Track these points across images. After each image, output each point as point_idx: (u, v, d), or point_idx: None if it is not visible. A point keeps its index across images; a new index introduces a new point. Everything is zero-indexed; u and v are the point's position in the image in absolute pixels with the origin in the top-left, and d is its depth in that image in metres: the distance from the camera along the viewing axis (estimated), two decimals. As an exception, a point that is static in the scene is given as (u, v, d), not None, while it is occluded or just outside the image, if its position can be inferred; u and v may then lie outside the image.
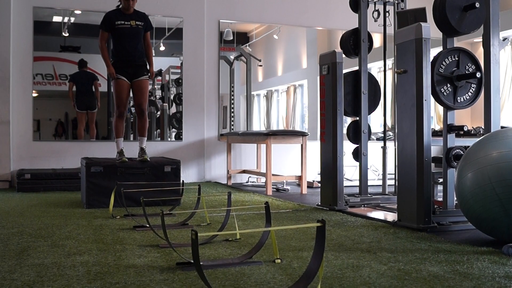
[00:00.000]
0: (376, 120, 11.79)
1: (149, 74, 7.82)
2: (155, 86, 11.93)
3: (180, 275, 3.44)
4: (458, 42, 11.75)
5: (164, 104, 11.82)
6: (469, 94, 5.39)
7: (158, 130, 11.68)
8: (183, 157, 10.06)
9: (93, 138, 11.02)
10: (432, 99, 5.27)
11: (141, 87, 7.70)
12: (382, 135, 7.79)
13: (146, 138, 7.84)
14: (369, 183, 7.28)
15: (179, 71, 11.48)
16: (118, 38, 7.60)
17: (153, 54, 7.99)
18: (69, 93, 11.07)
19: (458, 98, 5.35)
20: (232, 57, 12.32)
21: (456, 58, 5.34)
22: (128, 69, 7.61)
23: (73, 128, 11.31)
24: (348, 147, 6.98)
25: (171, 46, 11.66)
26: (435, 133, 6.98)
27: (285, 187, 9.58)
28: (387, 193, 7.39)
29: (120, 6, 7.62)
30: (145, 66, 7.81)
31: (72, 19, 11.17)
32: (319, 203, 7.01)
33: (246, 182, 11.03)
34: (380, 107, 7.55)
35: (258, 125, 14.61)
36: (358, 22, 7.24)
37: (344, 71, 6.76)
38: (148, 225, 4.83)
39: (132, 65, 7.63)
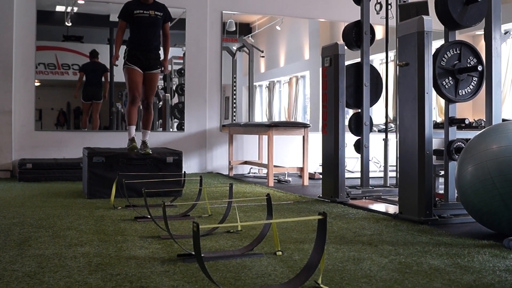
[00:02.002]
0: (377, 112, 11.78)
1: (162, 68, 7.77)
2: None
3: (181, 266, 3.45)
4: (460, 35, 11.71)
5: (166, 94, 11.82)
6: (471, 87, 5.39)
7: (160, 121, 11.69)
8: (185, 148, 10.05)
9: (96, 128, 11.02)
10: (434, 92, 5.27)
11: (151, 80, 7.63)
12: (384, 127, 7.78)
13: (149, 132, 7.75)
14: (371, 175, 7.28)
15: (182, 61, 11.48)
16: (136, 27, 7.53)
17: (170, 46, 7.99)
18: (78, 83, 11.10)
19: (460, 91, 5.35)
20: (234, 48, 12.33)
21: (458, 51, 5.34)
22: (143, 58, 7.53)
23: (75, 118, 11.33)
24: (349, 139, 6.98)
25: (173, 37, 11.58)
26: (437, 126, 6.99)
27: (286, 178, 9.59)
28: (388, 185, 7.39)
29: None
30: (159, 60, 7.75)
31: (75, 9, 11.17)
32: (321, 195, 7.01)
33: (248, 173, 11.03)
34: (382, 99, 7.55)
35: (260, 116, 14.62)
36: (360, 14, 7.23)
37: (346, 63, 6.76)
38: (149, 216, 4.82)
39: (147, 56, 7.56)
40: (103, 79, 11.25)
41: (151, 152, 7.37)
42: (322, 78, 6.92)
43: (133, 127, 7.56)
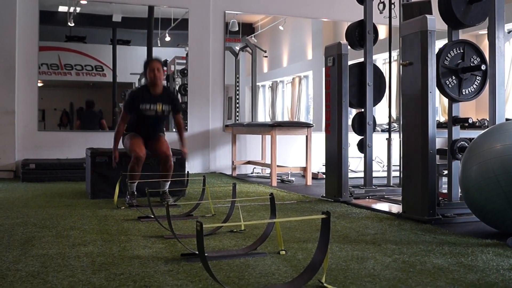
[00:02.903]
0: (381, 112, 11.77)
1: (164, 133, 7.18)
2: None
3: (185, 266, 3.45)
4: (463, 35, 11.72)
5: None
6: (474, 86, 5.39)
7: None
8: (188, 148, 10.05)
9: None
10: (437, 91, 5.27)
11: (160, 141, 6.87)
12: (387, 126, 7.78)
13: (169, 183, 6.85)
14: (374, 174, 7.27)
15: (185, 61, 11.49)
16: (139, 120, 6.79)
17: (184, 133, 7.23)
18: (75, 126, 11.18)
19: (463, 90, 5.35)
20: (237, 48, 12.32)
21: (461, 51, 5.34)
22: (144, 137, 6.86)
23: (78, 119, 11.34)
24: (353, 138, 6.97)
25: (176, 37, 11.65)
26: (440, 125, 6.99)
27: (290, 178, 9.58)
28: (391, 184, 7.39)
29: (147, 82, 6.77)
30: (163, 131, 7.19)
31: (78, 9, 11.17)
32: (324, 195, 7.01)
33: (251, 173, 11.03)
34: (385, 99, 7.55)
35: (263, 116, 14.63)
36: (363, 13, 7.22)
37: (350, 62, 6.76)
38: (153, 216, 4.82)
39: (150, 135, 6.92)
40: (99, 126, 11.30)
41: (173, 202, 6.49)
42: (325, 78, 6.93)
43: (134, 185, 6.63)
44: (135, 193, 6.57)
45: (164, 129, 7.18)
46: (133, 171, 6.50)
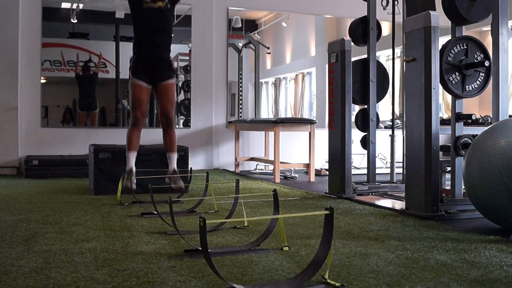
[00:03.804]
0: (384, 108, 11.77)
1: (175, 75, 6.75)
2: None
3: (188, 262, 3.45)
4: (467, 31, 11.65)
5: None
6: (478, 82, 5.38)
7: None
8: (191, 144, 10.02)
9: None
10: (441, 88, 5.26)
11: (167, 91, 6.43)
12: (390, 123, 7.77)
13: (176, 155, 6.53)
14: (377, 171, 7.27)
15: (188, 58, 11.48)
16: (142, 25, 6.34)
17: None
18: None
19: (467, 86, 5.34)
20: (240, 45, 12.31)
21: (465, 47, 5.33)
22: (150, 70, 6.35)
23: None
24: (356, 135, 6.96)
25: (179, 33, 11.63)
26: (443, 122, 6.98)
27: (293, 174, 9.58)
28: (395, 181, 7.38)
29: None
30: (172, 66, 6.63)
31: (81, 6, 11.17)
32: (327, 191, 7.01)
33: (254, 170, 11.04)
34: (388, 95, 7.54)
35: (266, 113, 14.62)
36: (367, 10, 7.22)
37: (353, 59, 6.75)
38: (156, 212, 4.82)
39: (156, 65, 6.37)
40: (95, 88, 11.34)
41: (183, 187, 6.44)
42: (328, 74, 6.92)
43: (133, 154, 6.35)
44: (134, 170, 6.24)
45: (174, 70, 6.69)
46: (131, 136, 6.26)
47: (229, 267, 3.33)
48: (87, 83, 11.33)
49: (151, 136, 9.49)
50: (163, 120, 6.47)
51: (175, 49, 11.73)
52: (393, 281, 3.05)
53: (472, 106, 12.31)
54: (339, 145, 6.67)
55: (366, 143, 7.13)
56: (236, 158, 10.70)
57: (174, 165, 6.44)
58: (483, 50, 5.39)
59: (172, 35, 6.64)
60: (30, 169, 9.01)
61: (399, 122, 9.33)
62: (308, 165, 9.21)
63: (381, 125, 10.31)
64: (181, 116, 11.49)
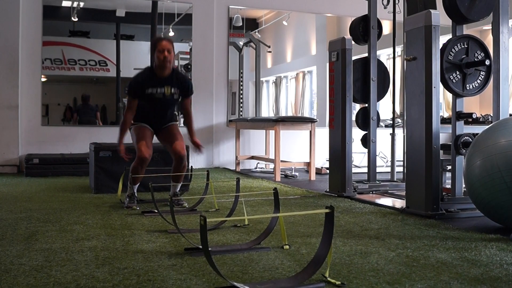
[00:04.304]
0: (385, 107, 11.76)
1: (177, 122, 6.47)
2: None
3: (189, 260, 3.45)
4: (467, 30, 11.70)
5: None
6: (478, 81, 5.38)
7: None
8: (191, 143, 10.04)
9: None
10: (441, 86, 5.26)
11: (174, 135, 6.10)
12: (391, 122, 7.77)
13: (180, 185, 6.18)
14: (378, 169, 7.26)
15: (188, 56, 11.48)
16: (147, 105, 6.01)
17: (193, 122, 6.47)
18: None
19: (467, 85, 5.34)
20: (241, 43, 12.33)
21: (465, 46, 5.33)
22: (153, 124, 6.15)
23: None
24: (356, 133, 6.97)
25: (180, 32, 11.65)
26: (444, 120, 6.98)
27: (293, 173, 9.58)
28: (395, 180, 7.38)
29: (154, 64, 5.98)
30: (174, 115, 6.47)
31: (81, 4, 11.18)
32: (328, 190, 7.01)
33: (255, 168, 11.04)
34: (389, 94, 7.55)
35: (266, 111, 14.64)
36: (367, 8, 7.22)
37: (353, 57, 6.75)
38: (156, 211, 4.83)
39: (159, 122, 6.18)
40: (96, 118, 11.39)
41: (186, 206, 5.96)
42: (329, 73, 6.92)
43: (136, 187, 6.05)
44: (136, 195, 6.00)
45: (177, 116, 6.25)
46: (136, 172, 5.86)
47: (229, 265, 3.33)
48: (85, 113, 11.42)
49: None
50: (176, 158, 5.97)
51: (176, 47, 11.76)
52: (393, 279, 3.06)
53: (472, 104, 12.31)
54: (339, 144, 6.67)
55: (366, 141, 7.13)
56: (236, 157, 10.70)
57: (176, 189, 6.11)
58: (484, 49, 5.39)
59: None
60: (31, 168, 9.01)
61: (400, 121, 9.34)
62: (308, 164, 9.21)
63: (381, 123, 10.32)
64: (182, 115, 11.48)
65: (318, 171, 9.87)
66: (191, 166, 7.03)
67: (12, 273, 3.12)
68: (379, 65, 7.18)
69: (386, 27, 9.38)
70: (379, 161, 8.35)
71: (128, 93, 6.00)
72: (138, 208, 5.76)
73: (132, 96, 5.91)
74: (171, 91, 5.99)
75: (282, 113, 14.70)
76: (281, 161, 9.19)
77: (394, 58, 7.72)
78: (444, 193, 5.39)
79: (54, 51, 10.90)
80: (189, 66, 11.36)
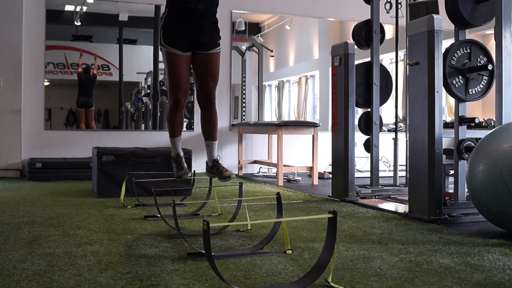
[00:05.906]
0: (387, 112, 11.76)
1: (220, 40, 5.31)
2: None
3: (191, 265, 3.45)
4: (470, 34, 11.69)
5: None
6: (481, 86, 5.38)
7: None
8: (194, 147, 10.00)
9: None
10: (444, 91, 5.26)
11: (209, 64, 5.13)
12: (394, 126, 7.78)
13: (217, 143, 5.35)
14: (380, 174, 7.26)
15: (191, 61, 11.46)
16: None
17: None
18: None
19: (470, 90, 5.34)
20: (244, 48, 12.32)
21: (468, 50, 5.33)
22: (189, 31, 4.87)
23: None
24: (359, 138, 6.96)
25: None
26: (447, 125, 6.98)
27: (296, 178, 9.58)
28: (398, 184, 7.39)
29: None
30: (217, 26, 5.27)
31: (84, 8, 11.18)
32: (330, 194, 7.01)
33: (257, 173, 11.03)
34: (391, 99, 7.54)
35: (269, 116, 14.61)
36: (370, 13, 7.21)
37: (356, 62, 6.75)
38: (159, 215, 4.82)
39: (197, 25, 4.90)
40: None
41: (232, 176, 5.17)
42: (331, 77, 6.93)
43: (179, 141, 5.19)
44: (181, 154, 5.22)
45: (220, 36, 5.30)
46: (172, 119, 5.04)
47: (232, 270, 3.33)
48: (87, 83, 11.34)
49: (154, 138, 9.52)
50: (201, 100, 5.15)
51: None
52: (396, 284, 3.06)
53: (475, 109, 12.31)
54: (342, 148, 6.67)
55: (369, 146, 7.12)
56: (239, 161, 10.71)
57: (214, 155, 5.29)
58: (486, 53, 5.39)
59: None
60: (33, 172, 9.01)
61: (402, 125, 9.33)
62: (311, 168, 9.20)
63: (384, 128, 10.32)
64: (185, 119, 11.48)
65: (321, 176, 9.87)
66: (194, 171, 7.02)
67: (15, 278, 3.13)
68: (381, 70, 7.18)
69: (389, 32, 9.40)
70: (381, 166, 8.34)
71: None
72: (190, 175, 5.27)
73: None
74: None
75: (285, 118, 14.69)
76: (284, 165, 9.20)
77: (396, 62, 7.72)
78: (446, 197, 5.39)
79: (57, 55, 10.90)
80: (191, 71, 11.34)
